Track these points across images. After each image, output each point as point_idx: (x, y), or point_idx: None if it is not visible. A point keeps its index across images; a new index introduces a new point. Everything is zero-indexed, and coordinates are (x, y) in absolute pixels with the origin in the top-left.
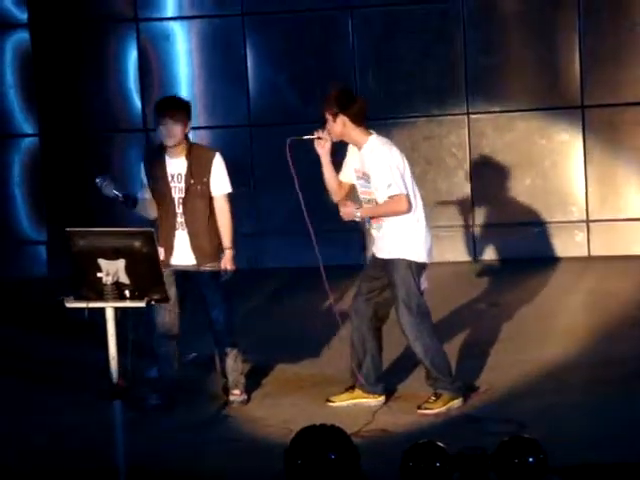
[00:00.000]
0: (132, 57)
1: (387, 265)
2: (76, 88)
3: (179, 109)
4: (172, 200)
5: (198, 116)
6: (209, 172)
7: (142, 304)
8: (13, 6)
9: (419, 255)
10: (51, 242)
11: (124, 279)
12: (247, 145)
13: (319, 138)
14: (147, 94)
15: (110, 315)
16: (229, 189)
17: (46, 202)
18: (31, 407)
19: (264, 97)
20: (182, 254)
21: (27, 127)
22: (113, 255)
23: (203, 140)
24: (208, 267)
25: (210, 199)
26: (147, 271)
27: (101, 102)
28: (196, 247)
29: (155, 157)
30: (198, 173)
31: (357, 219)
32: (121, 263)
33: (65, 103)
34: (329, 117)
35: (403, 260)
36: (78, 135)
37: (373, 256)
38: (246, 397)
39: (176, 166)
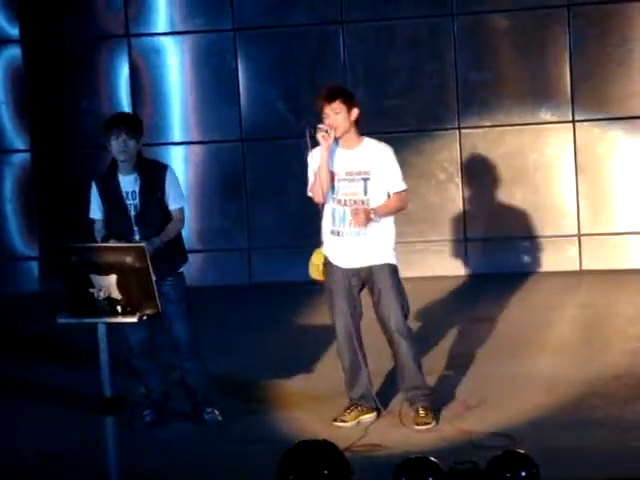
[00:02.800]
0: (124, 73)
1: (375, 272)
2: (68, 104)
3: (132, 124)
4: (129, 218)
5: (190, 131)
6: (162, 186)
7: (134, 319)
8: (5, 22)
9: (397, 260)
10: (43, 258)
11: (116, 294)
12: (239, 160)
13: (326, 132)
14: (139, 109)
15: (102, 331)
16: (184, 202)
17: (38, 218)
18: (26, 420)
19: (256, 112)
20: None
21: (19, 142)
22: (105, 270)
23: (196, 155)
24: (168, 281)
25: (166, 213)
26: (139, 286)
27: (93, 118)
28: (155, 261)
29: (107, 179)
30: (151, 188)
31: (375, 220)
32: (112, 278)
33: (57, 119)
34: (341, 109)
35: (392, 265)
36: (70, 151)
37: (343, 269)
38: (220, 417)
39: (129, 183)
